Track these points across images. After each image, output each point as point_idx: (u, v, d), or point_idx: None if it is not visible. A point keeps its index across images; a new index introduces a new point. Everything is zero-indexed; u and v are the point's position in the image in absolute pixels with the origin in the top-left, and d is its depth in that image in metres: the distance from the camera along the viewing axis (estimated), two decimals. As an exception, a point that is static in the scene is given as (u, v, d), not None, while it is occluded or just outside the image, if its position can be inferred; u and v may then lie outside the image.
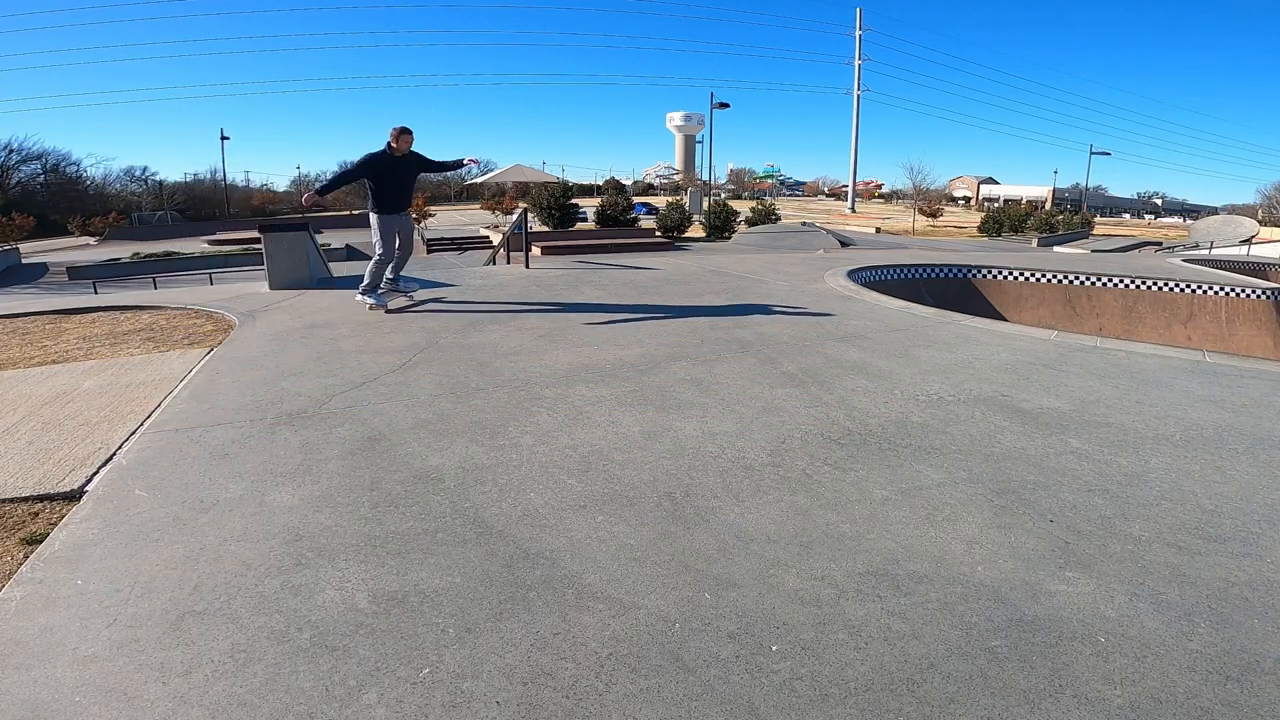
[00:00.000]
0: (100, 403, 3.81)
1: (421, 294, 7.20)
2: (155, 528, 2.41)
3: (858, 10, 74.71)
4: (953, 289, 10.75)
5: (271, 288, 7.86)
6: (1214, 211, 68.33)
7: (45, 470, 2.91)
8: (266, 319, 6.07)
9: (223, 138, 47.21)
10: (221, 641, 1.81)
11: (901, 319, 6.04)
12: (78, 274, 18.24)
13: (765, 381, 4.07)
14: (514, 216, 10.76)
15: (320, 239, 12.89)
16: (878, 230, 36.53)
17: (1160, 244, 32.85)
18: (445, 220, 38.67)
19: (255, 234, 8.99)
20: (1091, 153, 58.69)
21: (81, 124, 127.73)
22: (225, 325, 5.89)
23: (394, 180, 6.02)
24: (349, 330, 5.53)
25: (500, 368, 4.38)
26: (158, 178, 54.75)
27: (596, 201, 31.80)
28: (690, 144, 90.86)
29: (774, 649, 1.78)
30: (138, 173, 55.05)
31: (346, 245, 20.19)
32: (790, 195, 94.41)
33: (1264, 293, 9.65)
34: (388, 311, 6.24)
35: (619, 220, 26.87)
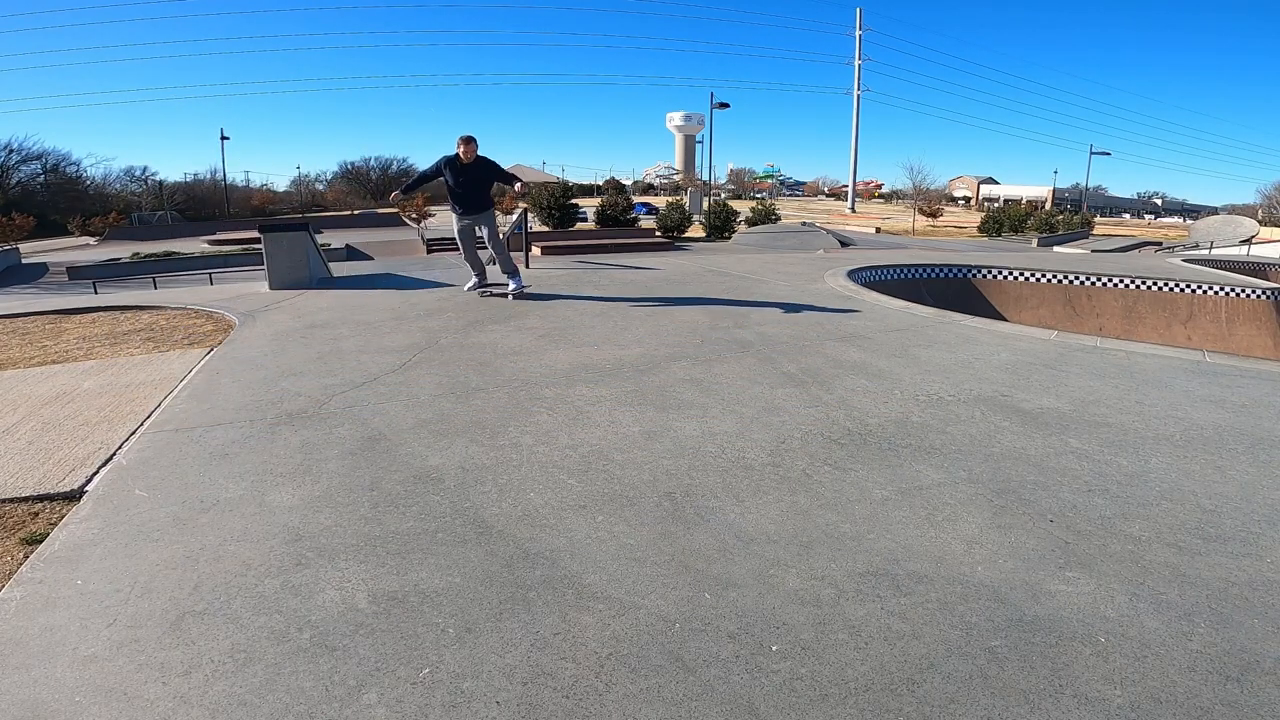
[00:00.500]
0: (100, 403, 3.81)
1: (422, 294, 7.20)
2: (155, 528, 2.41)
3: (858, 10, 74.99)
4: (953, 289, 10.75)
5: (271, 288, 7.87)
6: (1214, 211, 68.26)
7: (45, 470, 2.91)
8: (266, 319, 6.07)
9: (223, 138, 47.35)
10: (221, 641, 1.82)
11: (901, 319, 6.04)
12: (78, 274, 18.21)
13: (765, 381, 4.07)
14: (514, 217, 10.75)
15: (320, 239, 12.88)
16: (878, 230, 36.49)
17: (1160, 244, 32.78)
18: (446, 220, 38.61)
19: (255, 234, 9.00)
20: (1091, 153, 58.86)
21: (81, 124, 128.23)
22: (225, 325, 5.89)
23: (457, 183, 6.65)
24: (349, 330, 5.54)
25: (500, 367, 4.39)
26: (158, 178, 54.58)
27: (596, 201, 31.75)
28: (690, 144, 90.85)
29: (774, 649, 1.78)
30: (138, 173, 54.90)
31: (346, 245, 20.16)
32: (790, 195, 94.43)
33: (1264, 293, 9.64)
34: (482, 296, 7.05)
35: (619, 220, 26.83)
